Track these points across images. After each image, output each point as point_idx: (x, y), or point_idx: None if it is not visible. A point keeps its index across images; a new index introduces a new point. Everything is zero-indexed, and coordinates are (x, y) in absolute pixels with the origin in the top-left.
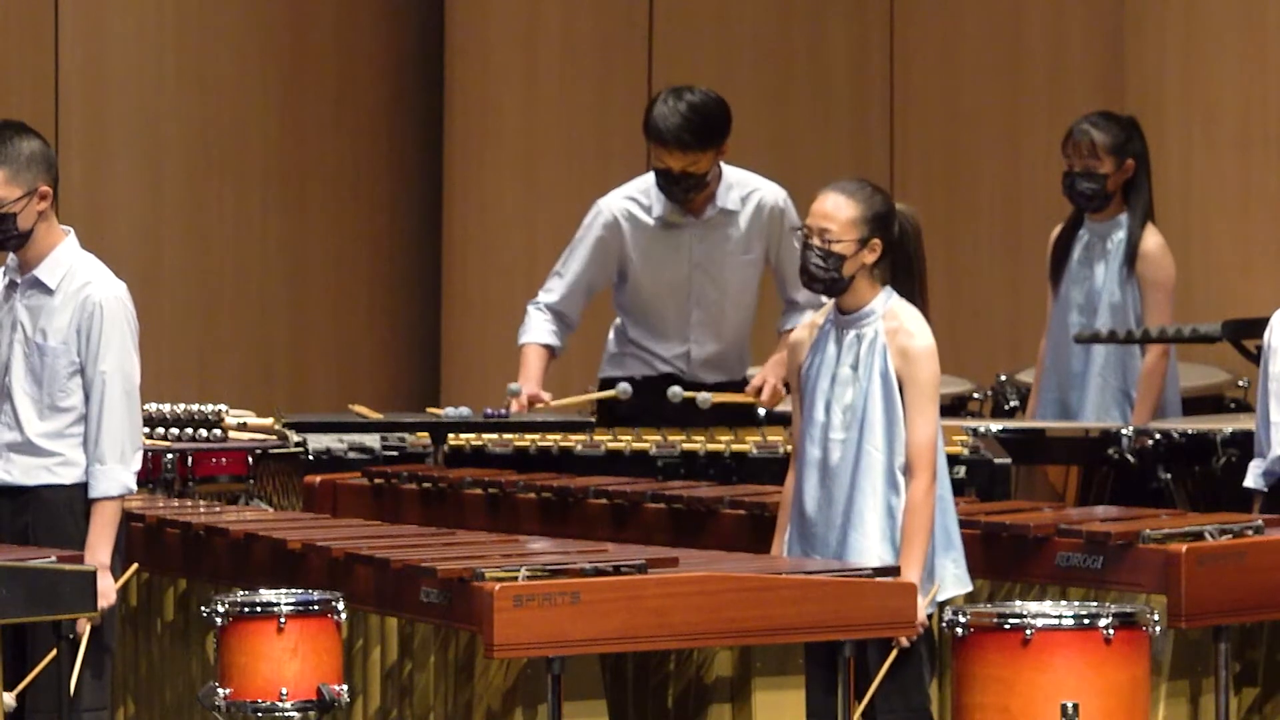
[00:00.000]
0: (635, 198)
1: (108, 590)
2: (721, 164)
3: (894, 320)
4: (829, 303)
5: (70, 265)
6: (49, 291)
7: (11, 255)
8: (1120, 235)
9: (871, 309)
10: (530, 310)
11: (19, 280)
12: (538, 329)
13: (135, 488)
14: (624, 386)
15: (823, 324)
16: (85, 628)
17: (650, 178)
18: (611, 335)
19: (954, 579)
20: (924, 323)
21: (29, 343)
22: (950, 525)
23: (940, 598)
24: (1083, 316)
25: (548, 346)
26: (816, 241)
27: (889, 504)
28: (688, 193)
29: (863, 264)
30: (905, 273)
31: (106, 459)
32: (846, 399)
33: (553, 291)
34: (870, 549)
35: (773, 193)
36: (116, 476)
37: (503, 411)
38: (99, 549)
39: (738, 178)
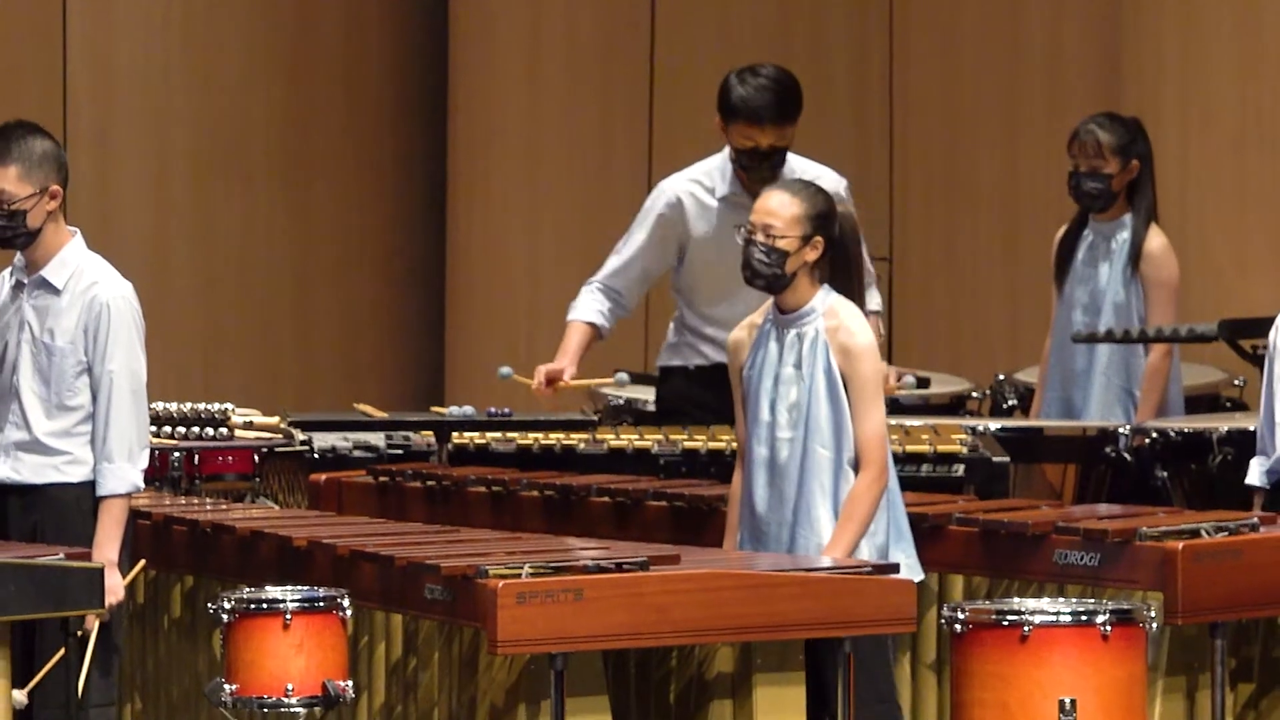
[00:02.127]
0: (698, 179)
1: (116, 587)
2: None
3: (834, 318)
4: (769, 301)
5: (77, 265)
6: (56, 292)
7: (19, 255)
8: (1124, 235)
9: (811, 307)
10: (582, 290)
11: (26, 280)
12: (584, 307)
13: (143, 485)
14: (621, 376)
15: (762, 323)
16: (94, 624)
17: (712, 161)
18: (671, 325)
19: (906, 569)
20: (863, 319)
21: (36, 342)
22: (899, 518)
23: None
24: (1087, 316)
25: (592, 324)
26: (760, 237)
27: (838, 500)
28: (775, 169)
29: (805, 261)
30: (843, 273)
31: (114, 457)
32: (791, 398)
33: (609, 270)
34: (822, 546)
35: (833, 180)
36: (124, 474)
37: (506, 411)
38: (107, 546)
39: (799, 164)
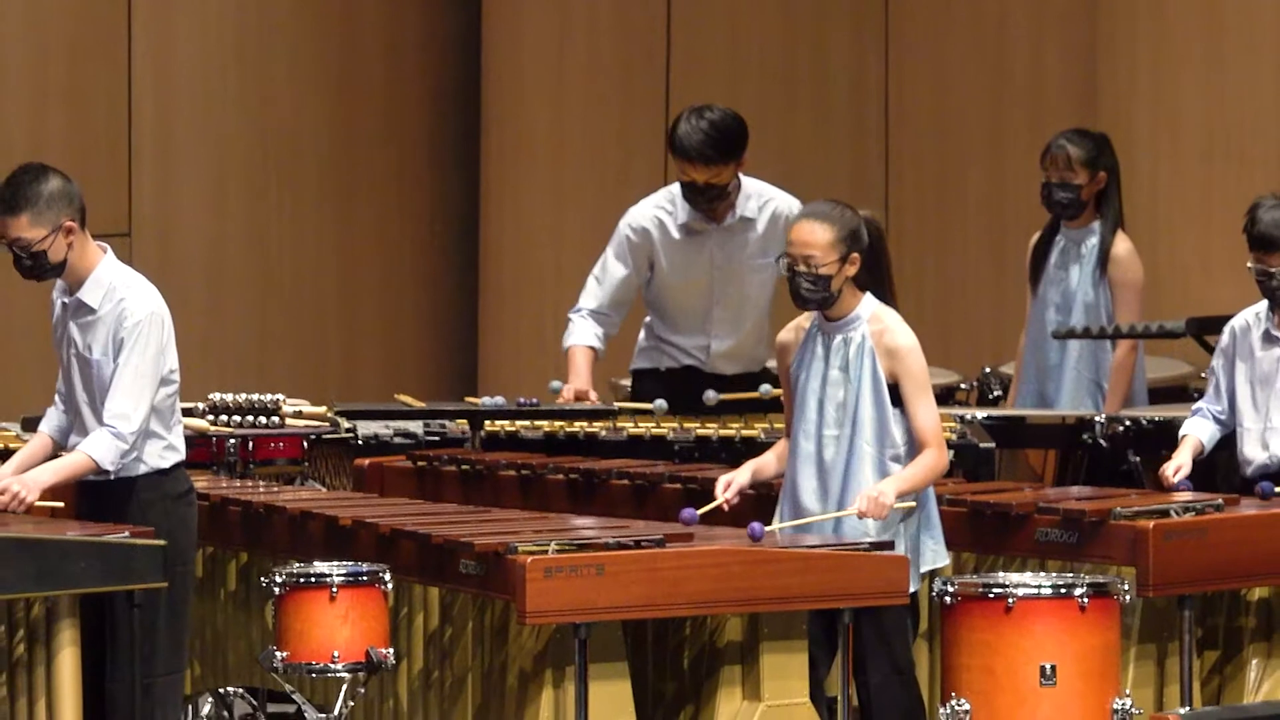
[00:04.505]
0: (663, 206)
1: (28, 482)
2: (740, 175)
3: (878, 324)
4: None
5: (110, 284)
6: (92, 311)
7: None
8: (1093, 241)
9: (856, 314)
10: (572, 318)
11: (67, 301)
12: (580, 332)
13: (112, 469)
14: (660, 404)
15: (809, 328)
16: None
17: (676, 188)
18: (643, 331)
19: (933, 553)
20: (904, 323)
21: (81, 357)
22: (930, 509)
23: (924, 568)
24: (1059, 315)
25: (590, 348)
26: (803, 268)
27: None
28: (711, 202)
29: (846, 278)
30: (874, 273)
31: (106, 426)
32: (838, 398)
33: (592, 296)
34: (874, 532)
35: (787, 202)
36: (108, 446)
37: (534, 401)
38: (48, 474)
39: (755, 188)
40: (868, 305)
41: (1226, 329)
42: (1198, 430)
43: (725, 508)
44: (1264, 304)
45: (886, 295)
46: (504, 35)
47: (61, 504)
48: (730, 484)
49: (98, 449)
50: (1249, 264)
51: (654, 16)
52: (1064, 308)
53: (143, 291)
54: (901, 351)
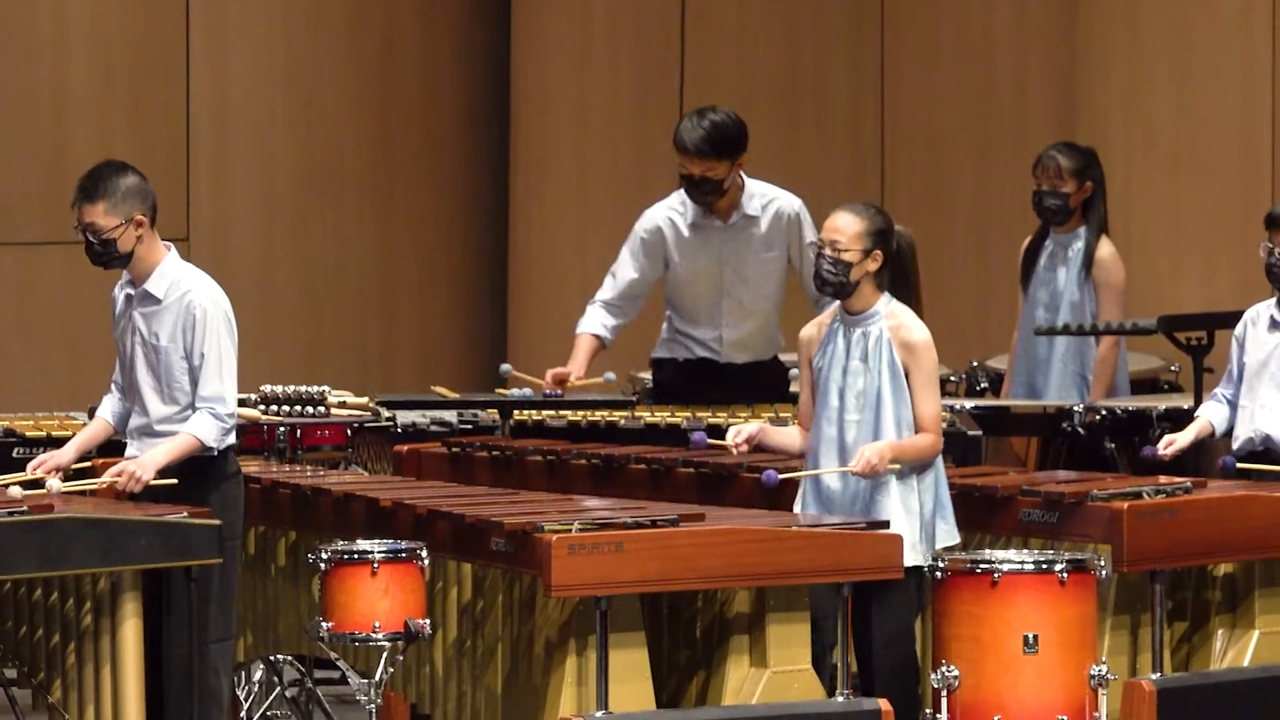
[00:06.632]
0: (674, 207)
1: (143, 464)
2: (746, 178)
3: (895, 319)
4: (834, 304)
5: (174, 277)
6: (157, 301)
7: (125, 272)
8: (1079, 245)
9: (875, 310)
10: (588, 307)
11: (133, 293)
12: (589, 321)
13: (215, 447)
14: (609, 376)
15: (830, 324)
16: None
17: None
18: (665, 323)
19: (945, 533)
20: (920, 321)
21: (146, 344)
22: (942, 491)
23: (937, 546)
24: (1048, 313)
25: (596, 336)
26: (828, 252)
27: (900, 473)
28: (706, 196)
29: (866, 271)
30: (903, 282)
31: (205, 410)
32: (859, 386)
33: (606, 289)
34: (894, 511)
35: (789, 201)
36: (209, 425)
37: (559, 393)
38: (161, 455)
39: (759, 189)
40: (886, 303)
41: (1243, 318)
42: (1210, 413)
43: (734, 452)
44: (1275, 298)
45: (914, 305)
46: (531, 55)
47: (175, 481)
48: (740, 432)
49: (201, 429)
50: (1264, 242)
51: (669, 41)
52: (1052, 306)
53: (206, 285)
54: (917, 346)
